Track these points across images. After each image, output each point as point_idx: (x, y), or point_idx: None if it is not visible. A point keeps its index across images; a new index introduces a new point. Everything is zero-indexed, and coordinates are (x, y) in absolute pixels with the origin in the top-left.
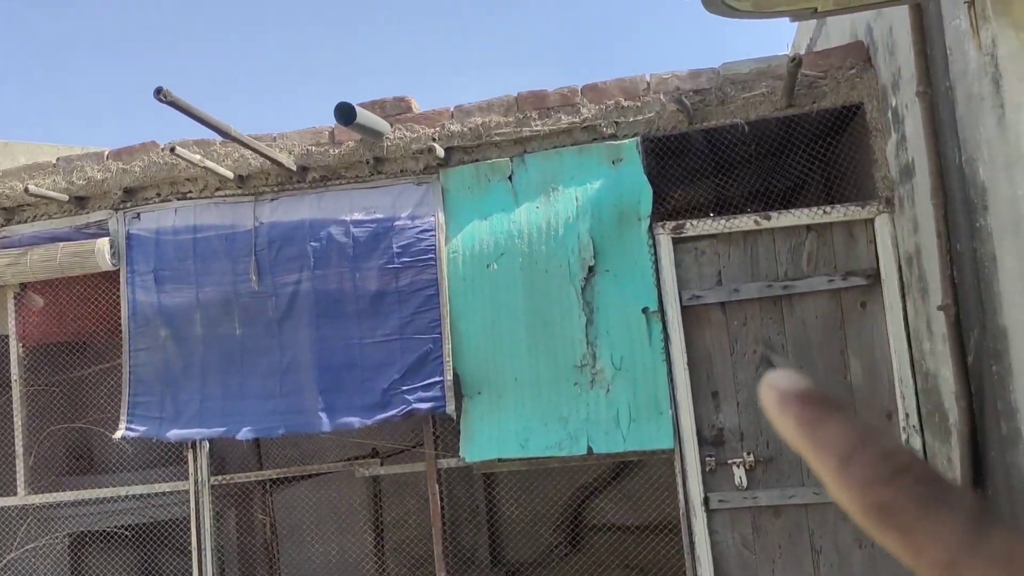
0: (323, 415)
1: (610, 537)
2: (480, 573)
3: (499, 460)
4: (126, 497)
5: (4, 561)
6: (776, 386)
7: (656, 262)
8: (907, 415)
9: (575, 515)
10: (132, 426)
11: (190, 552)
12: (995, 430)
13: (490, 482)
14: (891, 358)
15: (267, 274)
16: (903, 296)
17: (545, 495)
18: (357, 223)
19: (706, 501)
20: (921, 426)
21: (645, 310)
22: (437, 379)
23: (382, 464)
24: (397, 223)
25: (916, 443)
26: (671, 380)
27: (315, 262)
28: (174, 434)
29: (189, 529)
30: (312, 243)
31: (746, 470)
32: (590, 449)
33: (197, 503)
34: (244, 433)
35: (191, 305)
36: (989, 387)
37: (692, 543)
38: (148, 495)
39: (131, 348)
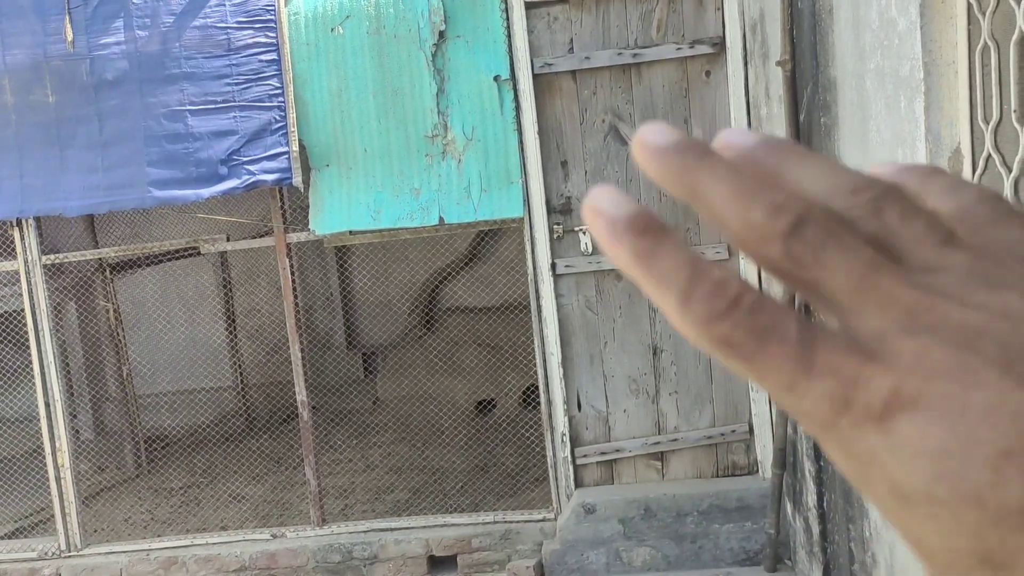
0: (152, 189)
1: (464, 318)
2: (336, 356)
3: (350, 233)
4: None
5: None
6: (604, 212)
7: (508, 28)
8: None
9: (430, 298)
10: None
11: (29, 347)
12: None
13: (344, 267)
14: (730, 124)
15: (82, 34)
16: (745, 64)
17: (400, 280)
18: None
19: (553, 267)
20: None
21: (497, 78)
22: (282, 150)
23: (228, 240)
24: None
25: None
26: (522, 150)
27: (137, 21)
28: None
29: (25, 319)
30: None
31: (592, 236)
32: (442, 219)
33: (29, 285)
34: (68, 210)
35: None
36: (817, 140)
37: (539, 307)
38: None
39: None
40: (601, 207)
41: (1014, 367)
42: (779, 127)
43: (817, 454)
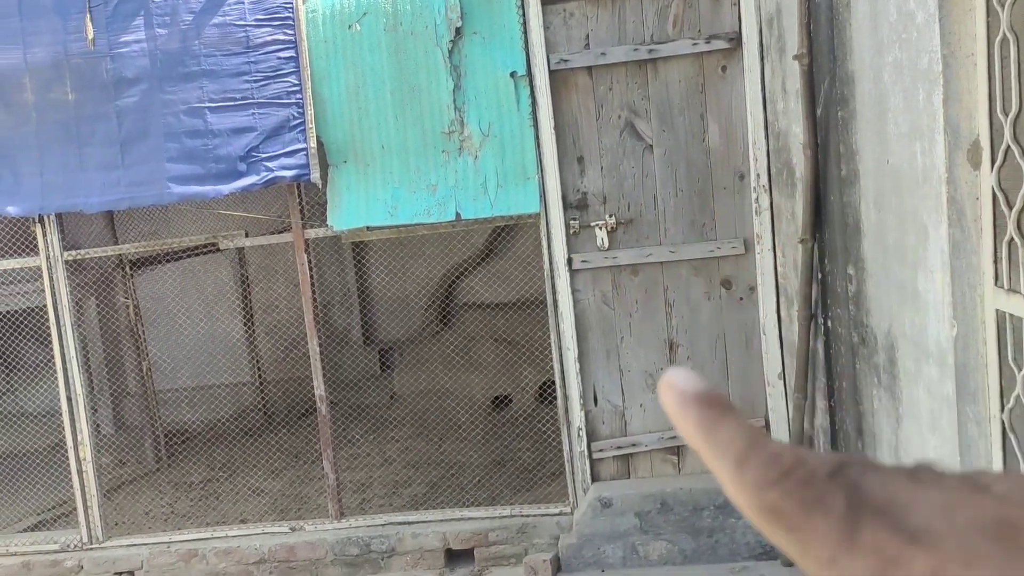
0: (171, 185)
1: (480, 314)
2: (353, 352)
3: (368, 229)
4: None
5: None
6: (675, 386)
7: (524, 24)
8: (758, 175)
9: (446, 294)
10: None
11: (51, 342)
12: (836, 173)
13: (361, 263)
14: (747, 120)
15: (103, 32)
16: (761, 59)
17: (416, 275)
18: None
19: (569, 262)
20: (770, 185)
21: (513, 74)
22: (300, 146)
23: (247, 236)
24: None
25: (764, 202)
26: (538, 146)
27: (157, 19)
28: (16, 209)
29: (47, 315)
30: None
31: (608, 232)
32: (458, 215)
33: (52, 280)
34: (88, 207)
35: (19, 68)
36: (834, 134)
37: (556, 302)
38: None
39: None
40: (675, 382)
41: None
42: (796, 122)
43: (834, 448)
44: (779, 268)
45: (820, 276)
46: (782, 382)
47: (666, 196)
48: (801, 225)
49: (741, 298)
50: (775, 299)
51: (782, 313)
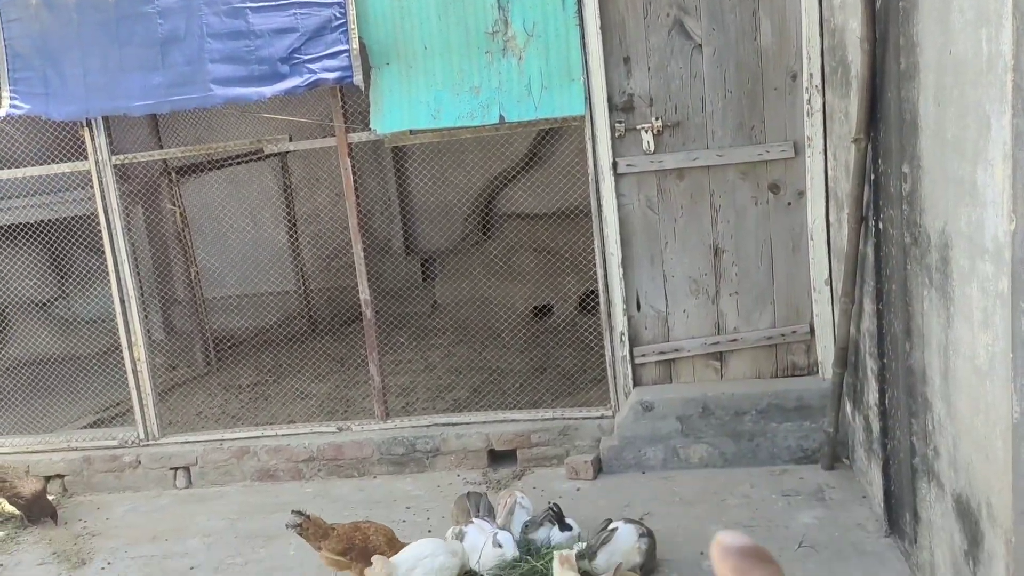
0: (213, 87)
1: (522, 224)
2: (395, 261)
3: (411, 132)
4: (28, 193)
5: None
6: (724, 541)
7: None
8: (811, 75)
9: (488, 204)
10: (16, 103)
11: (102, 250)
12: (894, 68)
13: (402, 173)
14: (800, 17)
15: None
16: None
17: (458, 184)
18: None
19: (614, 166)
20: (823, 85)
21: None
22: (342, 48)
23: (291, 140)
24: None
25: (817, 103)
26: (583, 46)
27: None
28: (63, 111)
29: (98, 224)
30: None
31: (654, 135)
32: (502, 118)
33: (101, 184)
34: (131, 110)
35: None
36: (893, 26)
37: (600, 207)
38: (51, 192)
39: (3, 19)
40: (723, 539)
41: None
42: (853, 16)
43: (880, 352)
44: (829, 171)
45: (873, 177)
46: (828, 288)
47: (714, 98)
48: (855, 124)
49: (789, 203)
50: (824, 203)
51: (831, 217)
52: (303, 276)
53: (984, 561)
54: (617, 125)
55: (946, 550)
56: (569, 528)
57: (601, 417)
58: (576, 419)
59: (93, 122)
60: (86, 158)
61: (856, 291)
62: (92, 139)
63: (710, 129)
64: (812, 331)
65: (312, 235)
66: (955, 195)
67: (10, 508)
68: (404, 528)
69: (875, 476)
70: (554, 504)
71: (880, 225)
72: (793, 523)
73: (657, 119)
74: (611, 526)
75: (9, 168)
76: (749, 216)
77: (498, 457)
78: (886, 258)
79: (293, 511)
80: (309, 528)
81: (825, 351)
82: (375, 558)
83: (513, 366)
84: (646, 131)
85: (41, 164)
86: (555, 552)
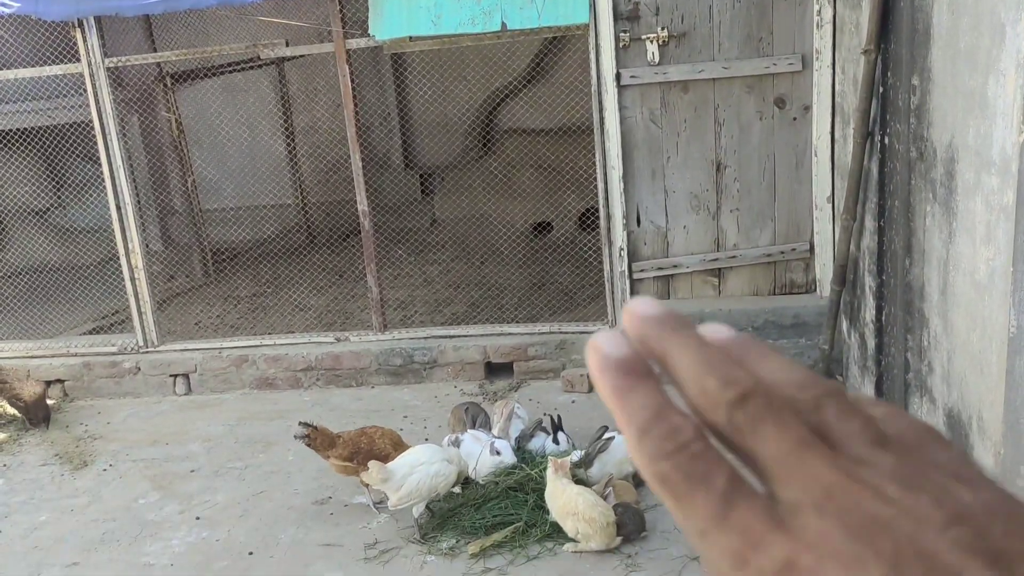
0: None
1: (523, 140)
2: (394, 176)
3: (410, 39)
4: (22, 98)
5: None
6: (600, 349)
7: None
8: None
9: (488, 119)
10: (5, 1)
11: (97, 159)
12: None
13: (401, 84)
14: None
15: None
16: None
17: (458, 98)
18: None
19: (618, 77)
20: None
21: None
22: None
23: (288, 45)
24: None
25: (827, 14)
26: None
27: None
28: (54, 11)
29: (93, 132)
30: None
31: (659, 45)
32: (504, 25)
33: (95, 88)
34: (123, 10)
35: None
36: None
37: (602, 119)
38: (45, 98)
39: None
40: (600, 344)
41: (900, 569)
42: None
43: (880, 269)
44: (837, 86)
45: (881, 91)
46: (830, 205)
47: (722, 7)
48: (866, 35)
49: (794, 118)
50: (830, 119)
51: (836, 133)
52: (301, 189)
53: None
54: (621, 35)
55: None
56: (558, 443)
57: (598, 331)
58: (573, 333)
59: (85, 22)
60: (79, 60)
61: (858, 208)
62: (84, 40)
63: (717, 40)
64: (812, 249)
65: (310, 147)
66: (964, 107)
67: (11, 411)
68: (401, 436)
69: (868, 392)
70: (557, 415)
71: (886, 140)
72: None
73: (663, 29)
74: (607, 435)
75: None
76: (753, 131)
77: (495, 369)
78: (890, 174)
79: (300, 422)
80: (317, 438)
81: (824, 269)
82: (371, 463)
83: (511, 282)
84: (651, 41)
85: (33, 67)
86: (549, 459)
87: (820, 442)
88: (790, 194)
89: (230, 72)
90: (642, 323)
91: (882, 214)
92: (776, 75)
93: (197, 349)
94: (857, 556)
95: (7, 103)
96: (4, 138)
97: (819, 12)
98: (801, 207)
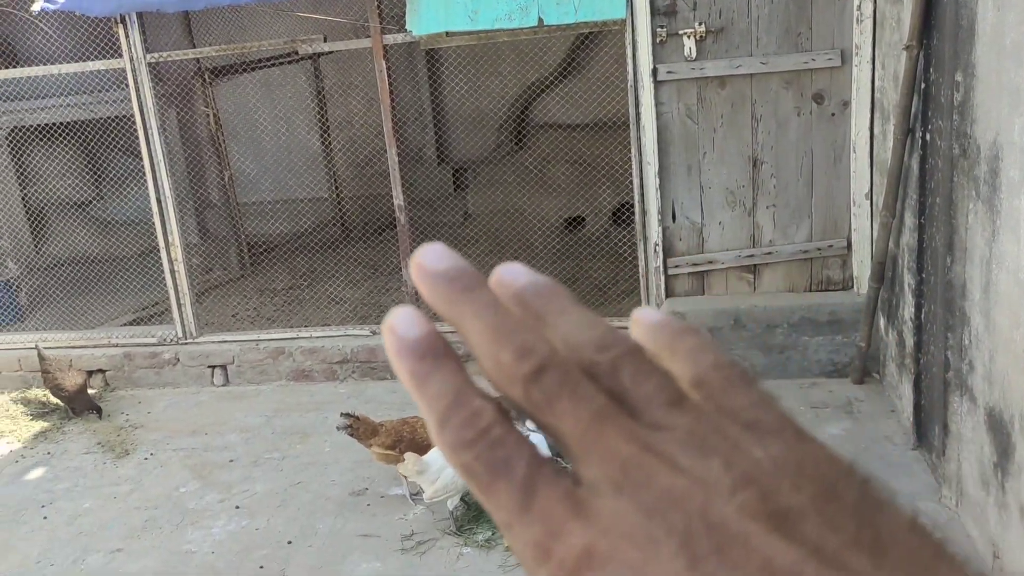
0: None
1: (556, 134)
2: (427, 170)
3: (447, 34)
4: (64, 93)
5: None
6: (395, 330)
7: None
8: None
9: (522, 114)
10: None
11: (137, 152)
12: None
13: (435, 80)
14: None
15: None
16: None
17: (492, 92)
18: None
19: (654, 72)
20: None
21: None
22: None
23: (325, 40)
24: None
25: (868, 8)
26: None
27: None
28: (97, 7)
29: (133, 126)
30: None
31: (696, 41)
32: (541, 21)
33: (136, 83)
34: (164, 6)
35: None
36: None
37: (638, 115)
38: (87, 92)
39: None
40: (395, 325)
41: (690, 544)
42: None
43: (919, 267)
44: (876, 81)
45: (923, 87)
46: (869, 202)
47: (761, 2)
48: (908, 30)
49: (833, 114)
50: (869, 114)
51: (875, 129)
52: (336, 183)
53: (1013, 473)
54: (659, 30)
55: (974, 462)
56: None
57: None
58: None
59: (127, 18)
60: (120, 56)
61: (897, 205)
62: (126, 36)
63: (755, 35)
64: (849, 246)
65: (345, 141)
66: (1010, 104)
67: (55, 400)
68: None
69: (905, 390)
70: None
71: (927, 137)
72: (821, 435)
73: (700, 24)
74: None
75: (44, 65)
76: (791, 127)
77: None
78: (931, 171)
79: (342, 413)
80: (359, 428)
81: (861, 266)
82: (407, 455)
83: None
84: (688, 36)
85: (76, 62)
86: None
87: (620, 411)
88: (827, 190)
89: (267, 67)
90: (432, 284)
91: (922, 211)
92: (815, 70)
93: (235, 341)
94: (650, 536)
95: (51, 97)
96: (47, 132)
97: (859, 7)
98: (839, 204)
